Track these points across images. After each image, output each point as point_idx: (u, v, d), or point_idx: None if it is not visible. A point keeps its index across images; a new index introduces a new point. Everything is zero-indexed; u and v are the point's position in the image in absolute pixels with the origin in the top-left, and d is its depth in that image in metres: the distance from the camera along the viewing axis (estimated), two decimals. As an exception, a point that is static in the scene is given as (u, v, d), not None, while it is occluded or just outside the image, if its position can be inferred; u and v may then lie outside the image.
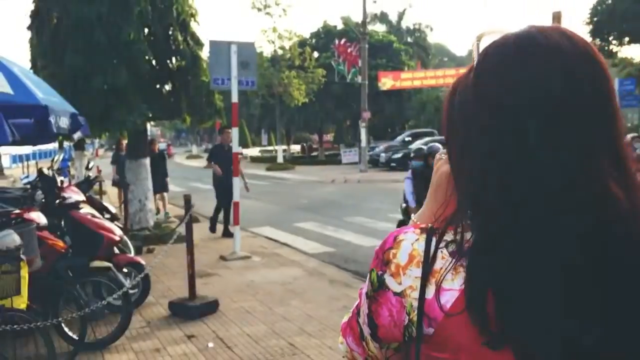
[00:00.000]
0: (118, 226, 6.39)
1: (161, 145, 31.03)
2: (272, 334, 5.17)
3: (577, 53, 0.75)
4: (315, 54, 32.52)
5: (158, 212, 11.99)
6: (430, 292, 0.79)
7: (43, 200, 5.63)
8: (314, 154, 38.14)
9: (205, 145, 59.83)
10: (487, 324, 0.73)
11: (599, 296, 0.72)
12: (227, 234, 9.88)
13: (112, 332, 4.93)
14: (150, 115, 10.12)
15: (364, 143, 25.80)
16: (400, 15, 50.93)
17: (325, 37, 36.06)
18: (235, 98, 8.25)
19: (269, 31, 29.61)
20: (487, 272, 0.75)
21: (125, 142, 11.67)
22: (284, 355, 4.68)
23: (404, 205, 7.33)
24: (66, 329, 4.72)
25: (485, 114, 0.77)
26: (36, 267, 4.38)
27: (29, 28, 9.41)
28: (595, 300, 0.72)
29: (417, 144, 17.65)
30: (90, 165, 8.89)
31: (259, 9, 29.22)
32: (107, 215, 7.02)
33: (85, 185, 7.53)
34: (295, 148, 43.05)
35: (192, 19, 9.96)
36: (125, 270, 5.58)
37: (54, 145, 15.85)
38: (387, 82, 31.53)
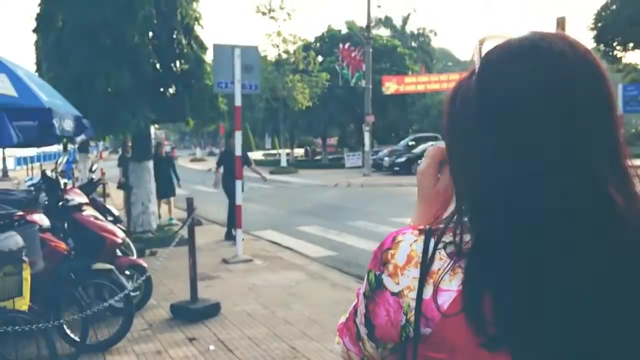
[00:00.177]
0: (121, 228, 6.41)
1: (166, 148, 31.00)
2: (274, 337, 5.18)
3: (579, 59, 0.76)
4: (320, 58, 32.52)
5: (160, 216, 11.94)
6: (427, 293, 0.79)
7: (46, 202, 5.66)
8: (318, 157, 38.14)
9: (209, 148, 59.86)
10: (484, 326, 0.74)
11: (597, 300, 0.72)
12: (230, 236, 9.90)
13: (114, 334, 4.93)
14: (154, 118, 10.15)
15: (367, 147, 25.77)
16: (405, 20, 51.01)
17: (329, 41, 36.11)
18: (238, 101, 8.28)
19: (273, 35, 29.68)
20: (485, 273, 0.76)
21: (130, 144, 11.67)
22: (285, 359, 4.68)
23: None
24: (68, 331, 4.73)
25: (488, 117, 0.78)
26: (38, 269, 4.40)
27: (34, 31, 9.47)
28: (594, 304, 0.72)
29: (422, 148, 17.62)
30: (94, 168, 8.91)
31: (264, 13, 29.29)
32: (110, 218, 7.03)
33: (89, 187, 7.55)
34: (299, 152, 43.05)
35: (196, 22, 10.01)
36: (127, 272, 5.58)
37: (59, 147, 15.92)
38: (391, 86, 31.54)
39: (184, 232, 6.32)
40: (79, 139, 5.82)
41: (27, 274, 4.01)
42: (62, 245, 4.93)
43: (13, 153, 29.75)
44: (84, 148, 17.08)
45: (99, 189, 10.30)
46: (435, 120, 33.71)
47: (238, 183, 8.60)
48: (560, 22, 22.15)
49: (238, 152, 8.64)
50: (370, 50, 27.37)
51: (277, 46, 30.07)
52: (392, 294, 0.83)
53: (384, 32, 46.79)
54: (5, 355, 4.07)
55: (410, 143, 28.64)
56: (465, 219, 0.81)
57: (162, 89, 10.05)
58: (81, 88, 8.35)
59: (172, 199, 12.16)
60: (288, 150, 36.25)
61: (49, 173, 6.20)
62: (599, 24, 22.34)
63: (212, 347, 4.94)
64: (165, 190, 11.75)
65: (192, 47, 9.79)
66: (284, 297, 6.48)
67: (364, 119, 26.52)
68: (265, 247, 9.47)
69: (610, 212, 0.73)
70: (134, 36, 8.54)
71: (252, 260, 8.30)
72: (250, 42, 26.33)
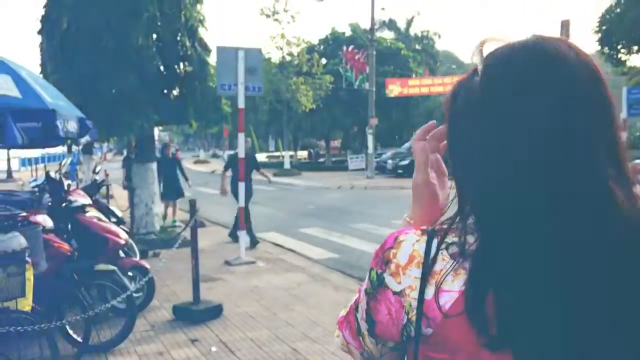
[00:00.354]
0: (124, 230, 6.42)
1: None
2: (276, 339, 5.18)
3: (580, 63, 0.78)
4: (323, 61, 32.57)
5: (165, 217, 11.95)
6: (429, 293, 0.80)
7: (50, 203, 5.67)
8: (321, 160, 38.16)
9: (213, 150, 59.91)
10: (487, 326, 0.74)
11: (602, 300, 0.73)
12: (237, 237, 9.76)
13: (116, 335, 4.94)
14: (157, 119, 10.18)
15: (371, 149, 25.78)
16: (409, 23, 50.94)
17: (333, 44, 36.13)
18: (241, 104, 8.29)
19: (277, 37, 29.74)
20: (489, 273, 0.76)
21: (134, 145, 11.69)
22: (287, 361, 4.68)
23: None
24: (70, 332, 4.75)
25: (492, 116, 0.78)
26: (41, 270, 4.42)
27: (39, 33, 9.52)
28: (598, 303, 0.73)
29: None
30: (97, 169, 8.93)
31: (268, 16, 29.35)
32: (113, 219, 7.05)
33: (92, 188, 7.58)
34: (302, 154, 43.07)
35: (200, 24, 10.04)
36: (130, 273, 5.60)
37: (63, 149, 15.99)
38: (394, 89, 31.54)
39: (187, 234, 6.33)
40: (83, 140, 5.84)
41: (30, 274, 4.02)
42: (65, 246, 4.94)
43: (18, 154, 29.82)
44: (88, 149, 17.16)
45: (103, 190, 10.35)
46: (439, 122, 33.03)
47: (241, 185, 8.61)
48: (565, 25, 22.15)
49: (241, 153, 8.65)
50: (374, 52, 27.38)
51: (281, 48, 30.14)
52: (394, 293, 0.83)
53: (387, 35, 46.73)
54: (8, 355, 4.08)
55: (413, 146, 28.52)
56: (469, 220, 0.82)
57: (165, 91, 10.09)
58: (85, 89, 8.39)
59: (178, 201, 12.13)
60: (291, 153, 36.29)
61: (52, 174, 6.22)
62: (604, 27, 22.29)
63: (214, 349, 4.94)
64: (170, 193, 11.76)
65: (196, 49, 9.81)
66: (286, 299, 6.48)
67: (367, 122, 26.53)
68: (267, 249, 9.47)
69: (614, 209, 0.74)
70: (138, 38, 8.58)
71: (255, 262, 8.31)
72: (254, 44, 26.35)
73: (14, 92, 4.58)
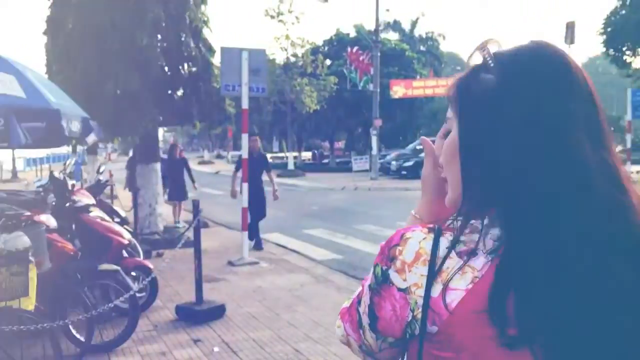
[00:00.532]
0: (127, 230, 6.44)
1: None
2: (278, 339, 5.18)
3: (575, 65, 0.85)
4: (328, 62, 32.55)
5: (174, 217, 11.92)
6: (435, 291, 0.80)
7: (54, 203, 5.70)
8: (325, 161, 38.13)
9: (217, 150, 59.96)
10: (507, 325, 0.75)
11: (623, 298, 0.74)
12: (258, 244, 9.58)
13: (119, 334, 4.96)
14: (162, 120, 10.20)
15: (375, 151, 25.76)
16: (413, 24, 50.90)
17: (337, 45, 36.14)
18: (245, 104, 8.30)
19: (281, 38, 29.77)
20: (512, 273, 0.76)
21: None
22: (289, 361, 4.68)
23: None
24: (73, 331, 4.76)
25: (512, 115, 0.81)
26: (45, 269, 4.43)
27: (44, 33, 9.56)
28: (619, 301, 0.74)
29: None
30: (101, 170, 8.96)
31: (272, 17, 29.39)
32: (117, 219, 7.08)
33: (96, 189, 7.61)
34: (307, 155, 43.06)
35: (205, 25, 10.06)
36: (133, 273, 5.62)
37: (68, 149, 16.04)
38: (398, 90, 31.54)
39: (190, 234, 6.34)
40: (89, 140, 5.85)
41: (33, 274, 4.04)
42: (69, 245, 4.96)
43: (23, 154, 29.99)
44: (92, 150, 17.18)
45: (107, 190, 10.39)
46: (443, 124, 33.55)
47: (245, 186, 8.61)
48: (570, 27, 22.08)
49: (245, 154, 8.66)
50: (379, 54, 27.39)
51: (285, 49, 30.19)
52: (399, 289, 0.84)
53: (392, 36, 46.69)
54: (11, 354, 4.09)
55: (417, 147, 28.47)
56: (472, 221, 0.82)
57: (169, 92, 10.11)
58: (90, 90, 8.41)
59: (183, 202, 12.15)
60: (295, 154, 36.28)
61: (56, 174, 6.25)
62: (609, 29, 22.23)
63: (216, 349, 4.95)
64: (175, 193, 11.78)
65: (200, 50, 9.83)
66: (289, 299, 6.48)
67: (371, 123, 26.53)
68: (271, 250, 9.48)
69: (629, 205, 0.78)
70: (143, 39, 8.60)
71: (258, 263, 8.32)
72: (258, 45, 26.38)
73: (19, 92, 4.60)
